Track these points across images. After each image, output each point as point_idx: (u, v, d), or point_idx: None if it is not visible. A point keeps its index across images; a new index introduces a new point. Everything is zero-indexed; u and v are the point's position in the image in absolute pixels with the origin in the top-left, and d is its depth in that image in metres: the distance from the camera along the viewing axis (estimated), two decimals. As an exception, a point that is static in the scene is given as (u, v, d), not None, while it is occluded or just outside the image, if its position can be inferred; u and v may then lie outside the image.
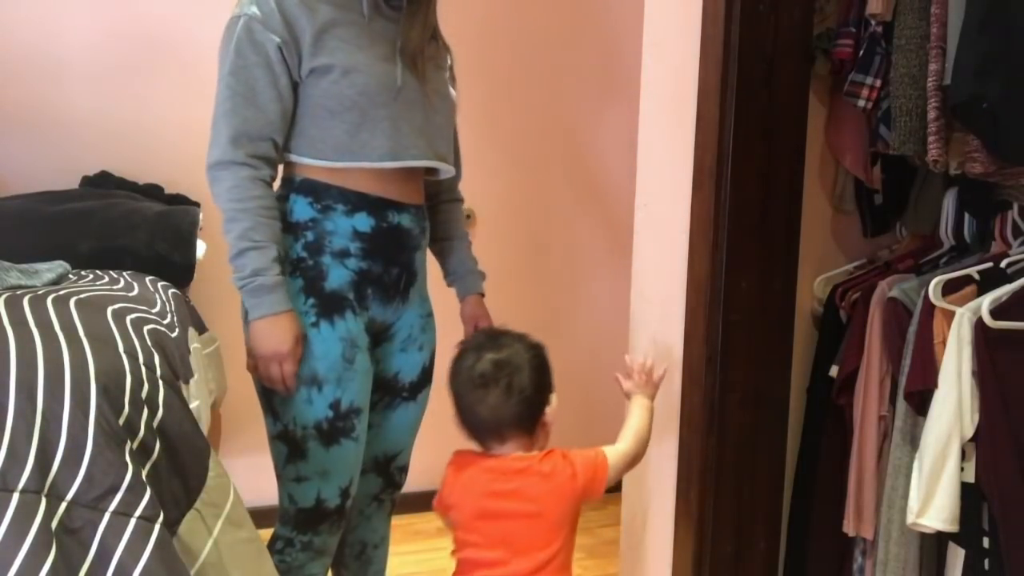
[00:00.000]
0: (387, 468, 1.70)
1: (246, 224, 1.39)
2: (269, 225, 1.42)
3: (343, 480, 1.52)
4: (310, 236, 1.48)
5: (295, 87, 1.45)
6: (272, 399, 1.48)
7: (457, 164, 1.71)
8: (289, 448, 1.49)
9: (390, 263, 1.53)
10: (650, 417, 1.54)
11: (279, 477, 1.54)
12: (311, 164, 1.47)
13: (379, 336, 1.60)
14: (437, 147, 1.56)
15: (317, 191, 1.47)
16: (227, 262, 1.42)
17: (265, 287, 1.39)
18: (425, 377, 1.70)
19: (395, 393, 1.66)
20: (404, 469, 1.75)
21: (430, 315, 1.70)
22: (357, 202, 1.48)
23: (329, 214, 1.47)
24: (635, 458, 1.49)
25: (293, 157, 1.49)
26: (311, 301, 1.48)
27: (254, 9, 1.41)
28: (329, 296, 1.47)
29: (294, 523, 1.53)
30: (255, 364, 1.44)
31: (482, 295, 1.79)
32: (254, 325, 1.41)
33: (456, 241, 1.78)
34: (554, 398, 1.44)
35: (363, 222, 1.48)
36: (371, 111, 1.45)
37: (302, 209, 1.48)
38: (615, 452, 1.46)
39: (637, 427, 1.51)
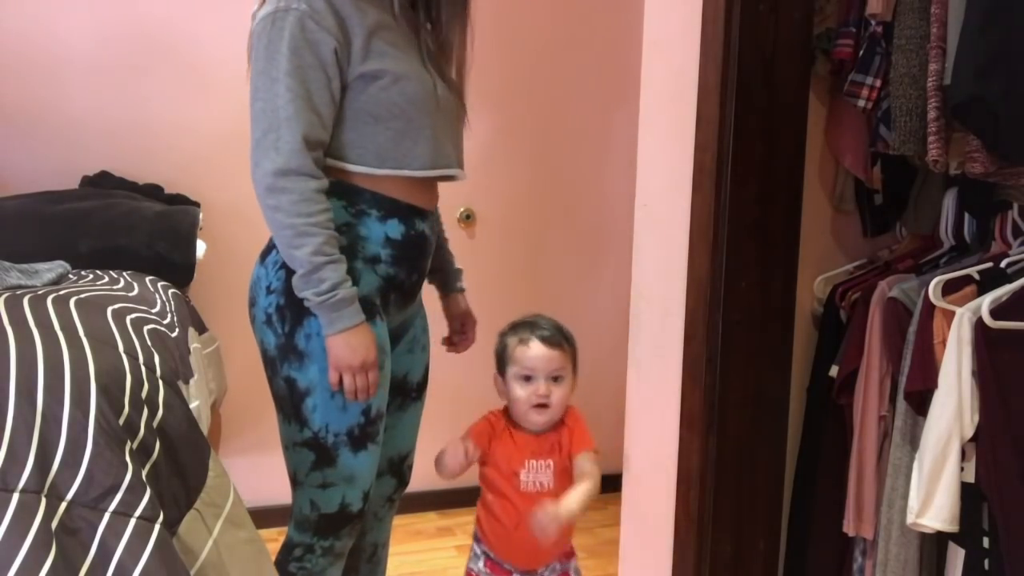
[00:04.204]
0: (400, 468, 1.72)
1: (320, 239, 1.35)
2: (336, 237, 1.39)
3: (366, 484, 1.51)
4: (343, 241, 1.43)
5: (342, 91, 1.40)
6: (302, 406, 1.45)
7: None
8: (317, 455, 1.47)
9: (413, 270, 1.52)
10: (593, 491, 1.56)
11: (299, 484, 1.50)
12: (348, 168, 1.43)
13: (391, 339, 1.58)
14: (460, 154, 1.56)
15: (351, 195, 1.44)
16: (295, 279, 1.38)
17: (346, 300, 1.37)
18: (426, 375, 1.71)
19: (405, 394, 1.67)
20: (411, 467, 1.76)
21: (425, 315, 1.71)
22: (390, 208, 1.46)
23: (363, 219, 1.44)
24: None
25: (328, 161, 1.43)
26: None
27: (305, 5, 1.33)
28: (360, 302, 1.43)
29: (315, 529, 1.51)
30: (340, 377, 1.40)
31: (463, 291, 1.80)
32: (337, 339, 1.38)
33: (437, 237, 1.74)
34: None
35: (394, 229, 1.47)
36: (416, 119, 1.43)
37: (335, 212, 1.42)
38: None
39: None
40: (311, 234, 1.34)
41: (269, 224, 1.38)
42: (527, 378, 1.55)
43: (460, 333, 1.79)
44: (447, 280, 1.77)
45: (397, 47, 1.42)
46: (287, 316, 1.43)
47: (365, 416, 1.46)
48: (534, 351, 1.55)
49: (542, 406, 1.54)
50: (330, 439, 1.45)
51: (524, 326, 1.59)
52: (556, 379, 1.55)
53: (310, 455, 1.47)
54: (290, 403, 1.46)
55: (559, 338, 1.57)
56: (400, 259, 1.49)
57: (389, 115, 1.41)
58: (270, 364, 1.47)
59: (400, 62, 1.41)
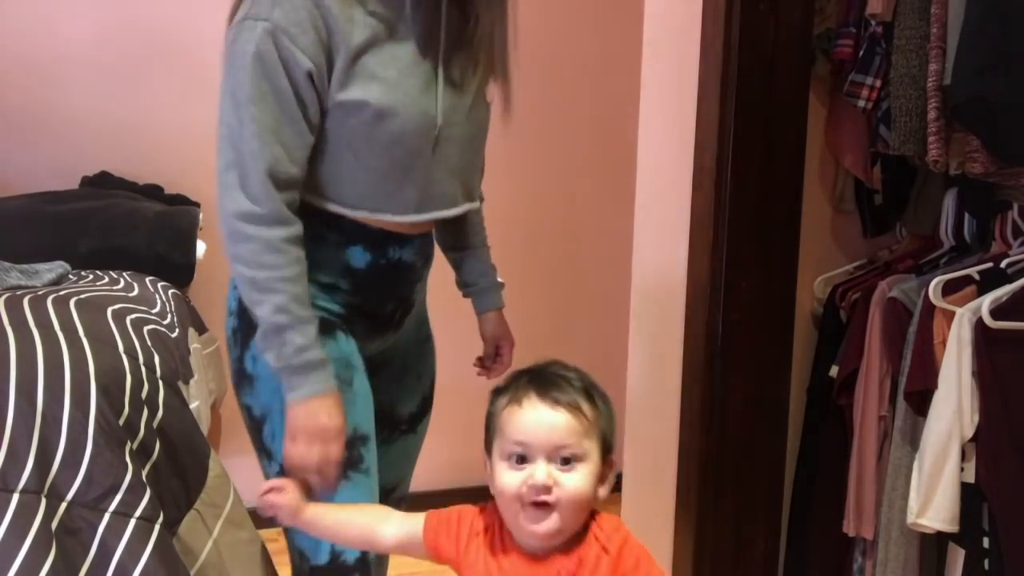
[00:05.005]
0: (385, 500, 1.43)
1: (283, 296, 1.15)
2: (305, 291, 1.18)
3: None
4: None
5: (322, 116, 1.19)
6: (261, 436, 1.26)
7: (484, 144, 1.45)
8: None
9: (386, 299, 1.32)
10: None
11: (286, 529, 1.26)
12: (316, 204, 1.23)
13: (368, 366, 1.36)
14: (471, 184, 1.36)
15: (305, 215, 1.21)
16: (258, 339, 1.18)
17: (311, 365, 1.16)
18: (424, 407, 1.49)
19: (393, 427, 1.45)
20: (404, 499, 1.51)
21: (428, 339, 1.50)
22: (352, 233, 1.24)
23: (318, 244, 1.23)
24: None
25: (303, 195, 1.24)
26: None
27: (278, 15, 1.11)
28: (319, 320, 1.25)
29: None
30: (295, 448, 1.17)
31: (502, 310, 1.55)
32: (300, 407, 1.16)
33: (474, 249, 1.53)
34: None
35: (358, 257, 1.26)
36: (403, 160, 1.22)
37: None
38: None
39: None
40: (274, 290, 1.15)
41: (233, 274, 1.21)
42: (519, 458, 1.01)
43: (495, 356, 1.55)
44: (480, 298, 1.53)
45: (389, 67, 1.18)
46: (238, 339, 1.27)
47: None
48: (529, 415, 1.01)
49: (541, 505, 0.99)
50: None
51: (524, 377, 1.06)
52: (567, 461, 1.00)
53: None
54: (253, 433, 1.28)
55: (575, 397, 1.02)
56: (365, 289, 1.29)
57: (370, 154, 1.19)
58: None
59: (390, 91, 1.18)
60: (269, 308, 1.15)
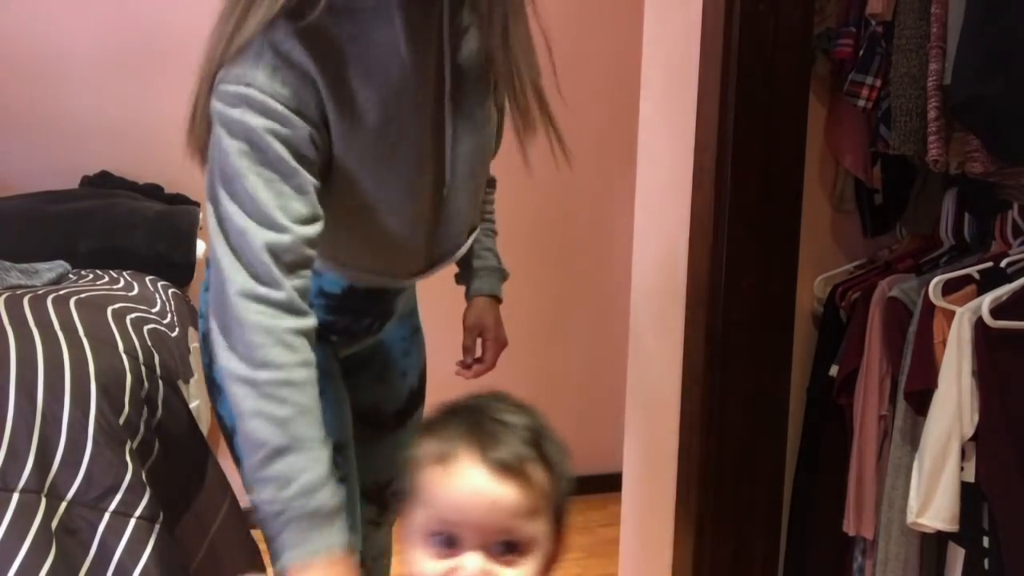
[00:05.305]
0: (380, 495, 1.40)
1: (285, 412, 0.89)
2: (316, 407, 0.93)
3: None
4: None
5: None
6: (234, 447, 1.15)
7: (497, 137, 1.29)
8: None
9: (362, 316, 1.24)
10: None
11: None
12: None
13: (346, 365, 1.30)
14: (457, 236, 1.20)
15: None
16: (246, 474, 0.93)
17: (322, 513, 0.88)
18: (414, 402, 1.42)
19: (378, 425, 1.38)
20: (400, 492, 1.46)
21: (416, 332, 1.41)
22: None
23: None
24: None
25: None
26: None
27: (258, 97, 0.94)
28: None
29: None
30: None
31: (496, 299, 1.40)
32: (300, 572, 0.87)
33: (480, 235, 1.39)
34: None
35: (332, 283, 1.17)
36: (373, 229, 1.08)
37: None
38: None
39: None
40: (267, 407, 0.90)
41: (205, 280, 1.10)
42: (446, 541, 0.76)
43: (473, 350, 1.41)
44: (469, 282, 1.40)
45: (376, 109, 1.00)
46: (208, 346, 1.10)
47: None
48: (461, 484, 0.75)
49: None
50: None
51: (455, 422, 0.79)
52: (509, 549, 0.75)
53: None
54: (227, 441, 1.20)
55: (524, 459, 0.76)
56: (341, 310, 1.20)
57: (332, 217, 1.01)
58: None
59: (366, 154, 1.00)
60: (264, 432, 0.90)
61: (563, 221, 3.00)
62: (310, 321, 0.95)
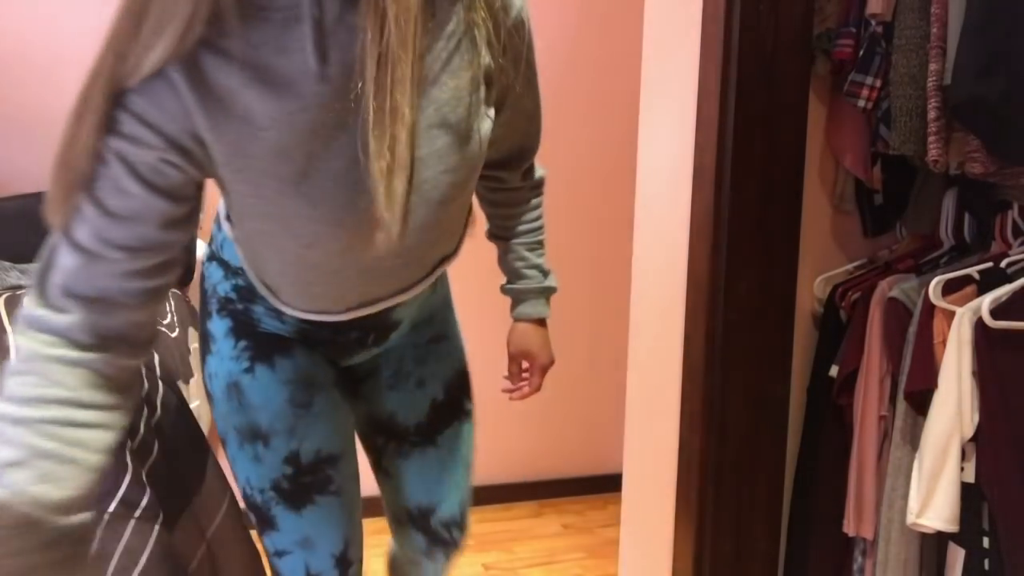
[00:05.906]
0: (427, 524, 1.32)
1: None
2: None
3: (334, 546, 1.18)
4: (241, 282, 1.11)
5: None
6: (228, 458, 1.18)
7: (535, 129, 1.20)
8: (256, 517, 1.18)
9: (343, 331, 1.16)
10: None
11: (264, 552, 1.23)
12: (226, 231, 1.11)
13: (353, 372, 1.27)
14: (413, 273, 1.09)
15: (226, 265, 1.12)
16: None
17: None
18: (441, 417, 1.31)
19: (400, 438, 1.31)
20: (452, 525, 1.33)
21: (439, 340, 1.31)
22: None
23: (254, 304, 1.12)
24: None
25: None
26: (243, 343, 1.14)
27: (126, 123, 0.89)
28: (266, 337, 1.14)
29: None
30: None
31: (540, 321, 1.34)
32: None
33: (507, 242, 1.32)
34: None
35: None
36: (287, 256, 0.99)
37: (231, 254, 1.11)
38: None
39: None
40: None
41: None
42: None
43: (519, 375, 1.37)
44: (512, 301, 1.34)
45: (277, 127, 0.85)
46: (201, 355, 1.20)
47: (292, 465, 1.14)
48: None
49: None
50: (257, 497, 1.16)
51: None
52: None
53: (253, 518, 1.20)
54: (223, 446, 1.21)
55: None
56: (311, 333, 1.15)
57: (253, 232, 0.99)
58: None
59: (264, 177, 0.87)
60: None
61: (563, 221, 3.00)
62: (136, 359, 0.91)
